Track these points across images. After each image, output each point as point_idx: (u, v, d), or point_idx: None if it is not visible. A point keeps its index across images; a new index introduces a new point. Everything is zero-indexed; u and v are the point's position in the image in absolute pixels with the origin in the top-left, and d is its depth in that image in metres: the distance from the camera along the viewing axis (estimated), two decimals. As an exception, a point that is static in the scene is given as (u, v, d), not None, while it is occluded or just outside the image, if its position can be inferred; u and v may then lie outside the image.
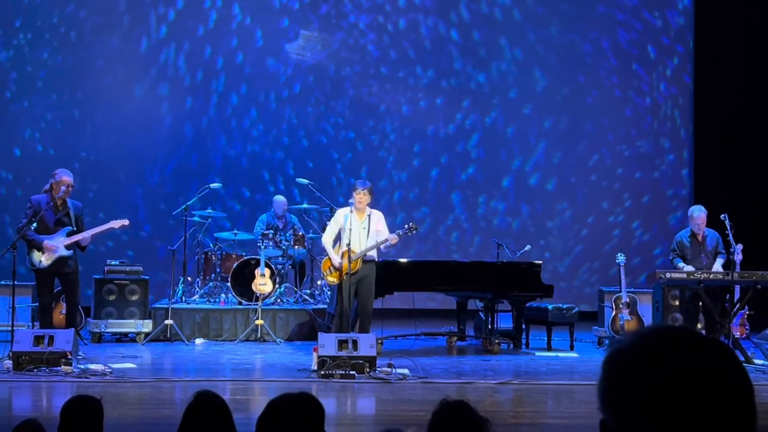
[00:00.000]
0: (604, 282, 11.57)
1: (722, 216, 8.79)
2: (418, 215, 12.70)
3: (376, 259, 8.79)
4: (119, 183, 12.49)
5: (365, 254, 8.57)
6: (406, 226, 8.74)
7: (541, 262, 9.64)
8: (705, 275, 8.66)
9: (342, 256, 8.49)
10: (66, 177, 8.41)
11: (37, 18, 12.43)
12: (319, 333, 8.30)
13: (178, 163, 12.65)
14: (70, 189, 8.45)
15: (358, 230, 8.55)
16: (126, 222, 8.86)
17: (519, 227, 12.93)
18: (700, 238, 9.09)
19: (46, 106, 12.47)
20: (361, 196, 8.58)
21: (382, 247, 8.67)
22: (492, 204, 13.03)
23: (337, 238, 8.79)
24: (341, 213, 8.83)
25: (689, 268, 8.93)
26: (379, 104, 12.91)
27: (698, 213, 9.07)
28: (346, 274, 8.40)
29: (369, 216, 8.67)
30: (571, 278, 12.83)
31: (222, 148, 12.72)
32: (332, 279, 8.75)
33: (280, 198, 11.21)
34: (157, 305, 10.24)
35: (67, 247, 8.42)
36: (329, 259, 8.73)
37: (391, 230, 8.83)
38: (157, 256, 12.06)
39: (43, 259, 8.35)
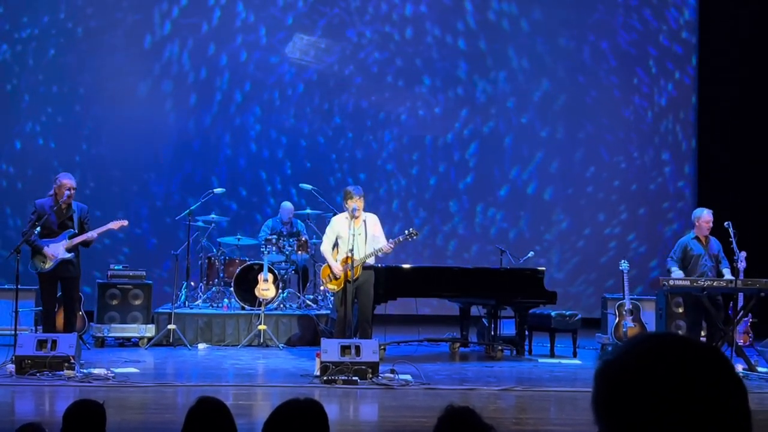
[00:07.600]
0: (602, 293, 11.49)
1: (726, 223, 8.75)
2: (417, 222, 12.68)
3: (375, 265, 8.80)
4: (121, 185, 12.49)
5: (364, 261, 8.58)
6: (406, 231, 8.72)
7: (544, 268, 9.60)
8: (708, 282, 8.62)
9: (342, 263, 8.50)
10: (67, 181, 8.45)
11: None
12: (321, 338, 8.28)
13: (181, 167, 12.65)
14: (73, 192, 8.50)
15: (356, 236, 8.56)
16: (125, 222, 8.86)
17: (516, 236, 12.90)
18: (704, 240, 9.03)
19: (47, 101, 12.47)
20: (359, 203, 8.60)
21: (379, 253, 8.68)
22: (489, 212, 13.02)
23: (335, 245, 8.80)
24: (337, 220, 8.84)
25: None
26: (378, 112, 12.92)
27: (707, 214, 8.94)
28: (348, 281, 8.40)
29: (364, 221, 8.69)
30: (568, 289, 12.72)
31: (224, 152, 12.73)
32: (332, 286, 8.76)
33: (287, 204, 11.19)
34: (160, 310, 10.23)
35: (69, 250, 8.44)
36: (329, 266, 8.74)
37: (390, 237, 8.82)
38: (160, 261, 12.05)
39: (45, 264, 8.38)
